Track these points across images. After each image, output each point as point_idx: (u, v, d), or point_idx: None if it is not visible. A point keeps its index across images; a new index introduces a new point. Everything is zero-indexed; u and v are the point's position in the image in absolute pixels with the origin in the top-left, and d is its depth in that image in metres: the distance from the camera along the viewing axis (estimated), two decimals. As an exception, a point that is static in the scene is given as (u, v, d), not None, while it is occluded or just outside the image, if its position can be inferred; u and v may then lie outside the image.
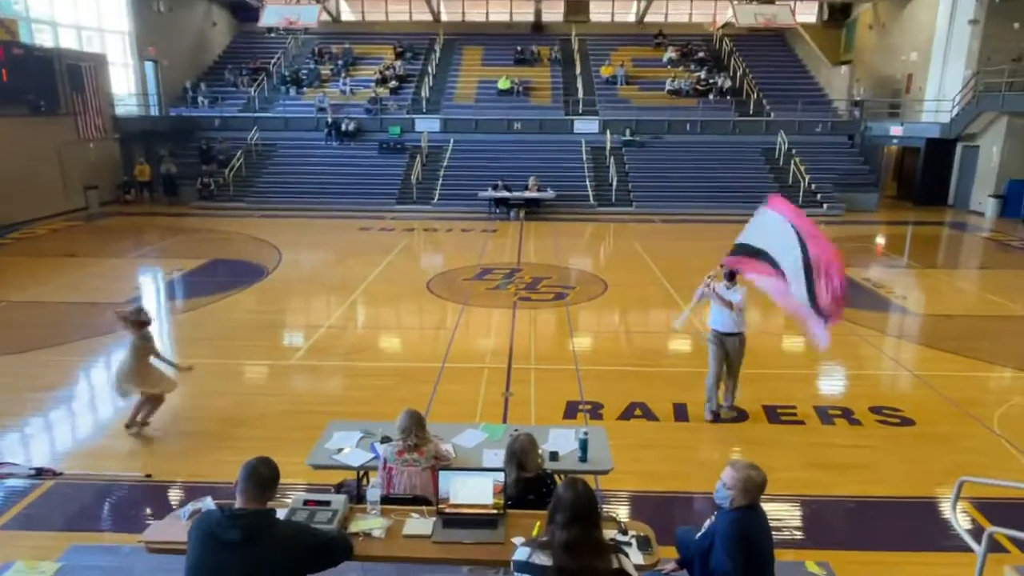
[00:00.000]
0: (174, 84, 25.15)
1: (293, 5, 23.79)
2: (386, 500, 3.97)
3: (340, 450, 4.77)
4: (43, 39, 19.42)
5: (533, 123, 23.58)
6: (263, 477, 2.86)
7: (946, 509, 5.39)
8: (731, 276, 6.61)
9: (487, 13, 30.36)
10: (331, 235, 17.50)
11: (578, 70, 26.15)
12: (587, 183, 21.32)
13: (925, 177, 22.42)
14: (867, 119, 23.95)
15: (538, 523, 3.56)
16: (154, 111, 23.94)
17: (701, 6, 29.48)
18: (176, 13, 25.14)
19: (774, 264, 5.35)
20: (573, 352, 9.01)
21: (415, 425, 4.34)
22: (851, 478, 5.89)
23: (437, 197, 20.92)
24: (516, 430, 4.61)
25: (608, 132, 22.95)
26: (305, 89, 25.33)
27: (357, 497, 4.37)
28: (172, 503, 5.43)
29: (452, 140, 23.15)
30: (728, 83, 25.14)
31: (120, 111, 21.91)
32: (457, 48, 27.95)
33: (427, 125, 23.52)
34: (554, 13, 30.27)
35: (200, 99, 24.70)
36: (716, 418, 6.87)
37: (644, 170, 21.86)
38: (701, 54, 27.02)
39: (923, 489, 5.75)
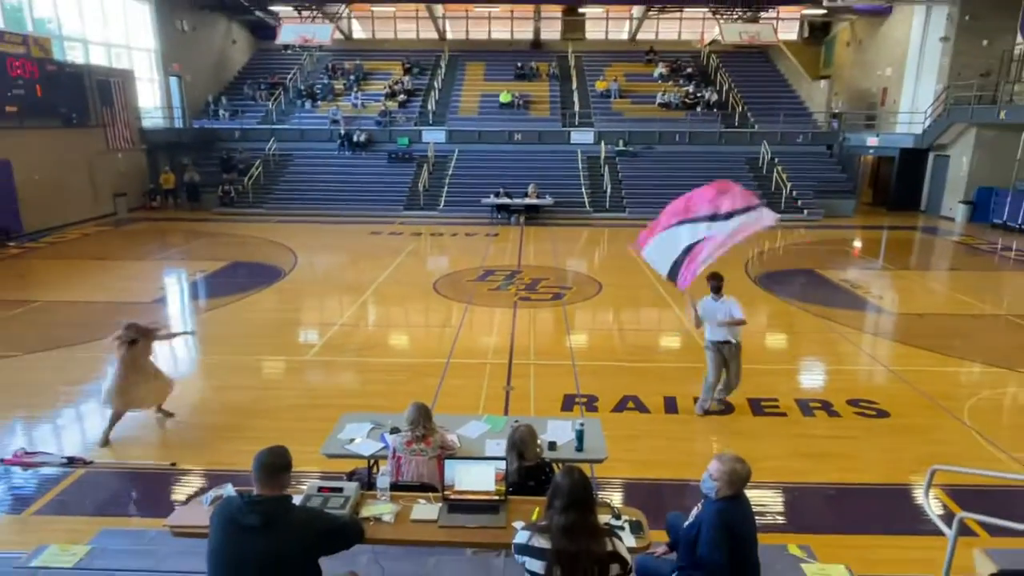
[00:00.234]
0: (197, 98, 25.15)
1: (308, 24, 23.81)
2: (395, 487, 3.97)
3: (352, 440, 4.77)
4: (75, 56, 19.44)
5: (532, 134, 23.58)
6: (272, 466, 2.86)
7: (919, 495, 5.39)
8: (717, 289, 6.57)
9: (489, 31, 30.36)
10: (343, 239, 17.49)
11: (574, 84, 26.14)
12: (583, 190, 21.31)
13: (899, 185, 22.41)
14: (845, 130, 23.94)
15: (537, 508, 3.56)
16: (178, 123, 23.94)
17: (690, 24, 29.47)
18: (199, 32, 25.16)
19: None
20: (570, 349, 9.01)
21: (422, 417, 4.35)
22: (830, 466, 5.89)
23: (443, 203, 20.92)
24: (516, 421, 4.61)
25: (602, 142, 22.95)
26: (319, 103, 25.34)
27: (368, 484, 4.36)
28: (195, 490, 5.44)
29: (457, 150, 23.15)
30: (715, 97, 25.12)
31: (146, 123, 21.93)
32: (461, 64, 27.94)
33: (433, 136, 23.51)
34: (552, 31, 30.28)
35: (221, 112, 24.72)
36: (705, 413, 6.86)
37: (636, 178, 21.83)
38: (689, 69, 27.00)
39: (898, 477, 5.74)
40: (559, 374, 7.98)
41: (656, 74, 26.72)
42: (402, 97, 25.37)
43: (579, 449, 4.64)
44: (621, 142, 22.98)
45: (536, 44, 29.64)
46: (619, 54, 28.68)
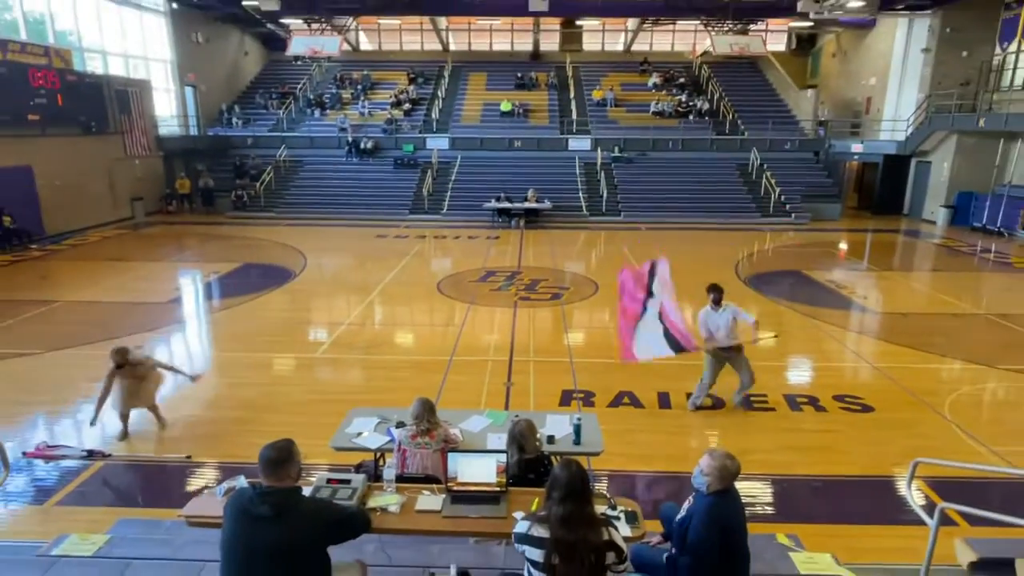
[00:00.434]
0: (211, 107, 25.15)
1: (317, 36, 23.76)
2: (400, 479, 3.97)
3: (359, 434, 4.77)
4: (94, 67, 19.44)
5: (532, 141, 23.55)
6: (273, 460, 2.85)
7: (902, 487, 5.40)
8: (718, 301, 6.55)
9: (491, 43, 30.35)
10: (351, 242, 17.48)
11: (572, 94, 26.11)
12: (580, 195, 21.29)
13: (883, 189, 22.39)
14: (831, 137, 23.90)
15: (537, 499, 3.55)
16: (193, 131, 23.93)
17: (682, 36, 29.46)
18: (213, 44, 25.15)
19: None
20: (568, 346, 9.01)
21: (426, 411, 4.34)
22: (817, 459, 5.88)
23: (446, 207, 20.91)
24: (517, 416, 4.60)
25: (599, 149, 22.91)
26: (328, 111, 25.32)
27: (374, 476, 4.36)
28: (209, 481, 5.44)
29: (459, 156, 23.13)
30: (706, 105, 25.10)
31: (163, 131, 21.90)
32: (464, 74, 27.93)
33: (437, 143, 23.49)
34: (551, 43, 30.27)
35: (234, 120, 24.70)
36: (697, 409, 6.85)
37: (631, 183, 21.82)
38: (682, 79, 26.98)
39: (882, 469, 5.74)
40: (557, 371, 7.98)
41: (650, 84, 26.70)
42: (407, 106, 25.36)
43: (576, 442, 4.63)
44: (617, 149, 22.96)
45: (535, 55, 29.62)
46: (615, 65, 28.65)
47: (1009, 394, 7.59)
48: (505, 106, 25.09)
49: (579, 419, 4.73)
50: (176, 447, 6.03)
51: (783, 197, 20.85)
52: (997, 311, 10.78)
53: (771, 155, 22.63)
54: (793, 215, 20.40)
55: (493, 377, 7.76)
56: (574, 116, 24.62)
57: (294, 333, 9.60)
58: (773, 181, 21.19)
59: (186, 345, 9.27)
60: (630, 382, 7.51)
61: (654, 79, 26.79)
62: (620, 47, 30.43)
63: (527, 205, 19.51)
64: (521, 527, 2.84)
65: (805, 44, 29.14)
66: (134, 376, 6.15)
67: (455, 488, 3.73)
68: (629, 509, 3.67)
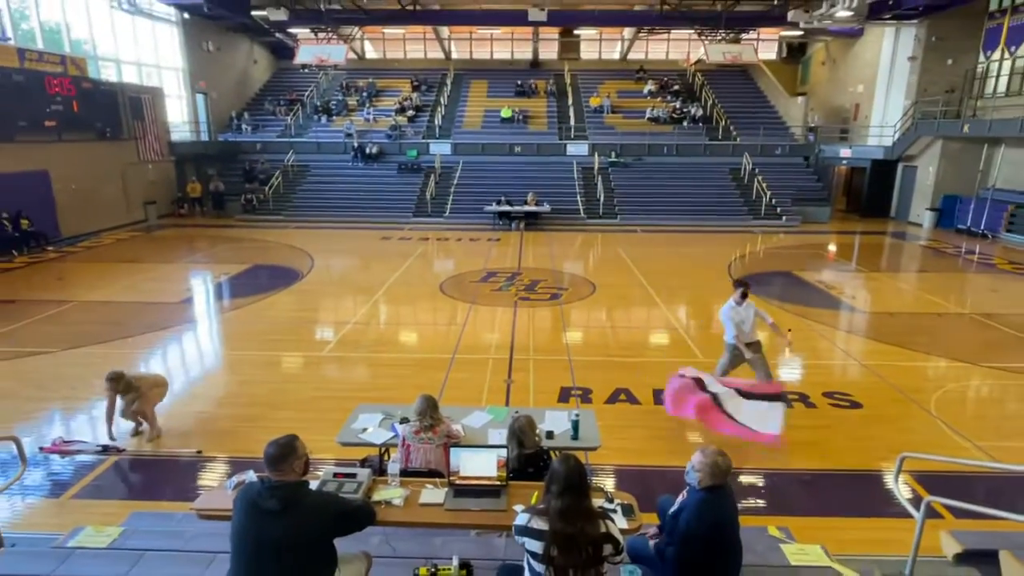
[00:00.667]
0: (221, 113, 25.15)
1: (324, 45, 23.74)
2: (404, 473, 3.97)
3: (365, 430, 4.77)
4: (108, 74, 19.45)
5: (531, 146, 23.56)
6: (274, 456, 2.86)
7: (890, 481, 5.40)
8: (745, 295, 6.59)
9: (491, 52, 30.36)
10: (356, 243, 17.48)
11: (570, 101, 26.11)
12: (578, 198, 21.28)
13: (871, 193, 22.36)
14: (820, 143, 23.91)
15: (536, 493, 3.55)
16: (204, 137, 23.92)
17: (677, 45, 29.44)
18: (223, 52, 25.16)
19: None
20: (566, 345, 9.01)
21: (430, 408, 4.34)
22: (807, 454, 5.88)
23: (448, 211, 20.90)
24: (517, 412, 4.61)
25: (596, 154, 22.92)
26: (334, 117, 25.33)
27: (379, 470, 4.36)
28: (219, 476, 5.44)
29: (461, 161, 23.13)
30: (700, 112, 25.10)
31: (175, 137, 21.90)
32: (465, 82, 27.93)
33: (440, 148, 23.50)
34: (550, 51, 30.28)
35: (244, 126, 24.71)
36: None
37: (627, 187, 21.82)
38: (677, 86, 26.98)
39: (870, 463, 5.74)
40: (556, 368, 7.98)
41: (646, 91, 26.70)
42: (411, 112, 25.36)
43: (575, 438, 4.63)
44: (613, 154, 22.96)
45: (535, 63, 29.62)
46: (611, 72, 28.66)
47: (993, 391, 7.58)
48: (505, 113, 25.10)
49: (577, 415, 4.73)
50: (187, 442, 6.03)
51: (774, 200, 20.85)
52: (981, 311, 10.78)
53: (762, 160, 22.64)
54: (784, 218, 20.39)
55: (494, 375, 7.75)
56: (572, 122, 24.63)
57: (302, 332, 9.59)
58: (764, 185, 21.18)
59: (197, 344, 9.27)
60: (626, 379, 7.52)
61: (649, 86, 26.80)
62: (617, 56, 30.45)
63: (527, 208, 19.51)
64: (521, 519, 2.84)
65: (795, 52, 29.14)
66: (132, 394, 6.07)
67: (457, 482, 3.73)
68: (625, 502, 3.68)
